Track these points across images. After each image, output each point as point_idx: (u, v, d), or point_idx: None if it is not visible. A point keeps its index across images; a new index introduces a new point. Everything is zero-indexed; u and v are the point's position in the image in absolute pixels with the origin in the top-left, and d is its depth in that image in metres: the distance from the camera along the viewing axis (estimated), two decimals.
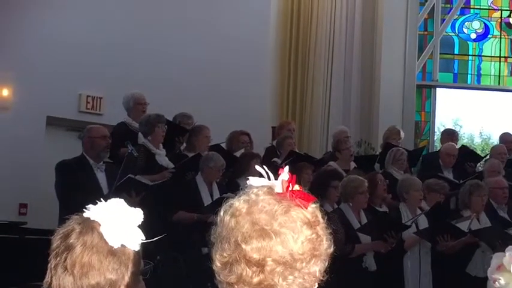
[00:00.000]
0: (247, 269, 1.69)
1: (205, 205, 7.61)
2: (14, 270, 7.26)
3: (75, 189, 6.84)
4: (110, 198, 1.92)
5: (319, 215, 1.77)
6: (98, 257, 1.84)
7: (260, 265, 1.69)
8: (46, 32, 9.73)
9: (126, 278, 1.86)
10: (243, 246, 1.69)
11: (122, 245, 1.85)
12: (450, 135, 10.59)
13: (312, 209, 1.76)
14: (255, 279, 1.69)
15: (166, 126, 8.01)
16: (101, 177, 7.25)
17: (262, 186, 1.76)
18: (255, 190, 1.75)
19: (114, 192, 6.80)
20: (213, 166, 7.80)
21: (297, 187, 1.74)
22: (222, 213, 1.76)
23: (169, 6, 10.77)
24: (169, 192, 7.73)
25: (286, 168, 1.75)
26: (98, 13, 10.16)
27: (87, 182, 7.03)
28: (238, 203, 1.74)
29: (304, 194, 1.74)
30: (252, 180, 1.77)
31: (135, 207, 1.92)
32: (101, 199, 1.91)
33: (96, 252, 1.84)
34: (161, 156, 7.96)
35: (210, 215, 7.22)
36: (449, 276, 7.64)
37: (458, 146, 10.57)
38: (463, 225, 7.78)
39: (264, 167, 1.77)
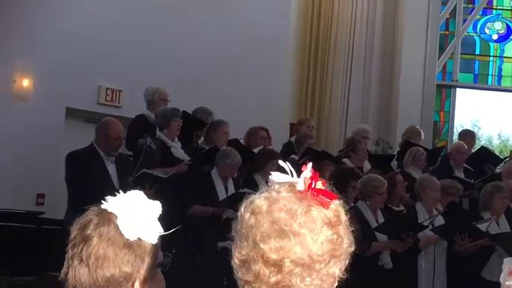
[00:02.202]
0: (265, 269, 1.67)
1: (220, 200, 7.60)
2: (30, 259, 7.29)
3: (86, 180, 6.85)
4: (124, 191, 1.91)
5: (342, 213, 1.73)
6: (114, 250, 1.83)
7: (278, 265, 1.66)
8: (67, 24, 9.75)
9: (142, 271, 1.85)
10: (261, 245, 1.67)
11: (138, 238, 1.85)
12: (468, 136, 10.42)
13: (335, 207, 1.72)
14: (273, 279, 1.67)
15: (181, 121, 8.02)
16: (111, 168, 7.26)
17: (284, 182, 1.72)
18: (276, 187, 1.72)
19: (131, 186, 6.81)
20: (229, 162, 7.79)
21: (320, 184, 1.71)
22: (242, 209, 1.73)
23: (189, 2, 10.76)
24: (185, 186, 7.73)
25: (309, 164, 1.72)
26: (119, 7, 10.17)
27: (97, 173, 7.05)
28: (259, 200, 1.71)
29: (326, 192, 1.71)
30: (275, 176, 1.74)
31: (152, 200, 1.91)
32: (120, 191, 1.90)
33: (112, 245, 1.83)
34: (177, 149, 7.97)
35: (225, 209, 7.23)
36: (464, 279, 7.59)
37: (476, 148, 10.48)
38: (482, 228, 7.73)
39: (287, 163, 1.74)
